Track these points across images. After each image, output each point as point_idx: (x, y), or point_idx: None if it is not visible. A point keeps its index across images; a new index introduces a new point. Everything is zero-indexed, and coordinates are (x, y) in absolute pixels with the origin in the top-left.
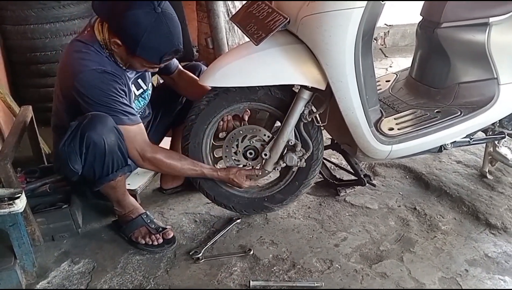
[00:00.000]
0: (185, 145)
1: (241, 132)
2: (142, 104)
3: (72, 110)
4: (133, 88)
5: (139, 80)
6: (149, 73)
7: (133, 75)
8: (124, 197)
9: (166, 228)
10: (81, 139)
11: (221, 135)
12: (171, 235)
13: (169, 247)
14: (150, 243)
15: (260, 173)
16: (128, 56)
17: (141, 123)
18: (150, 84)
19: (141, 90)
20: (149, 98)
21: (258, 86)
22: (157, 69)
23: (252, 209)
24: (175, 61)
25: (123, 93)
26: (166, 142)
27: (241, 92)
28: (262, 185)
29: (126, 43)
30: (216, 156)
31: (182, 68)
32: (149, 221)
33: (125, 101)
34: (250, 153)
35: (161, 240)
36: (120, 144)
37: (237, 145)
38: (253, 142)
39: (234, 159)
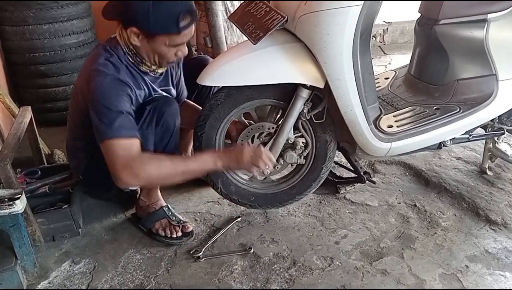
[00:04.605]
0: (199, 134)
1: (249, 132)
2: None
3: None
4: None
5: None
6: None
7: (158, 83)
8: (157, 186)
9: (186, 222)
10: (158, 119)
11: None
12: (190, 229)
13: (187, 239)
14: (169, 235)
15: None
16: (150, 43)
17: (138, 139)
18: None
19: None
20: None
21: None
22: (184, 51)
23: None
24: (185, 91)
25: (128, 104)
26: None
27: (245, 90)
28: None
29: (139, 24)
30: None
31: (188, 101)
32: (170, 213)
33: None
34: None
35: (180, 233)
36: (179, 130)
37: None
38: (262, 139)
39: None
